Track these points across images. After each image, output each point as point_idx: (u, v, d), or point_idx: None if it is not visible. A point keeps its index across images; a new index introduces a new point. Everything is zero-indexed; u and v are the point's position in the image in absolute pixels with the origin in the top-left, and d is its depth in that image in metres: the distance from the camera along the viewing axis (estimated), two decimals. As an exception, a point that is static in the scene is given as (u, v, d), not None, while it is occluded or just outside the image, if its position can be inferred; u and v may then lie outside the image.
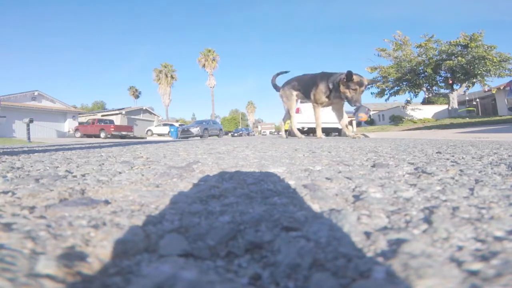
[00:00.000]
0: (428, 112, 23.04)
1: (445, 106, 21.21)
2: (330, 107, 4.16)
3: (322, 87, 3.69)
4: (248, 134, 27.40)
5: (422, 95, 19.67)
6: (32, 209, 0.41)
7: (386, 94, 19.22)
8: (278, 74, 4.53)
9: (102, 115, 26.57)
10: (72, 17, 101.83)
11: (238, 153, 1.19)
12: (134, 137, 17.45)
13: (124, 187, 0.55)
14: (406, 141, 2.24)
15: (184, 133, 13.45)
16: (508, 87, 10.19)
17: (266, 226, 0.35)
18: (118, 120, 25.34)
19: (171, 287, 0.22)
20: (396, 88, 18.84)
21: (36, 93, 20.52)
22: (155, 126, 26.55)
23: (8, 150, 1.56)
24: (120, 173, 0.71)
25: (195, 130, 13.35)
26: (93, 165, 0.84)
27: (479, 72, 15.28)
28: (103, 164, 0.87)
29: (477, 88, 18.07)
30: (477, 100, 21.95)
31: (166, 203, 0.45)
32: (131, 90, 43.00)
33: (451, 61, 15.57)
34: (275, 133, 43.11)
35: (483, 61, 14.68)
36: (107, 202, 0.45)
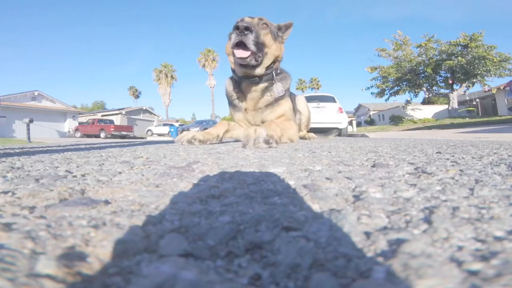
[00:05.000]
0: (428, 112, 23.04)
1: (445, 106, 21.22)
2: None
3: None
4: (248, 134, 27.32)
5: (422, 95, 19.68)
6: (32, 209, 0.41)
7: (386, 94, 19.22)
8: None
9: (102, 115, 26.59)
10: (72, 17, 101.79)
11: (238, 153, 1.19)
12: (134, 137, 17.46)
13: (124, 187, 0.55)
14: (406, 141, 2.24)
15: (184, 133, 13.44)
16: (508, 87, 10.20)
17: (266, 226, 0.35)
18: (118, 120, 25.35)
19: (171, 287, 0.22)
20: (396, 88, 18.85)
21: (36, 93, 20.52)
22: (155, 126, 26.57)
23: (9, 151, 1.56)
24: (120, 173, 0.71)
25: (195, 130, 13.37)
26: (93, 165, 0.84)
27: (479, 72, 15.28)
28: (103, 164, 0.87)
29: (477, 88, 18.09)
30: (477, 100, 21.95)
31: (166, 203, 0.45)
32: (131, 90, 43.02)
33: (451, 61, 15.57)
34: None
35: (483, 61, 14.68)
36: (107, 202, 0.45)
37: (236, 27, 1.78)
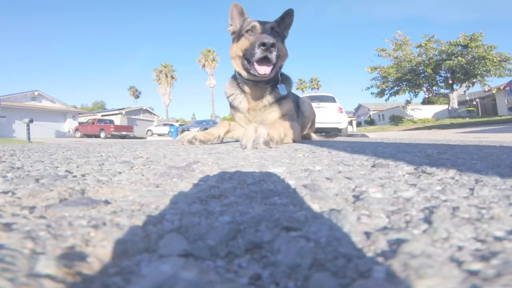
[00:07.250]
0: (428, 112, 23.04)
1: (445, 106, 21.22)
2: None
3: None
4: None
5: (422, 95, 19.68)
6: (32, 209, 0.41)
7: (386, 94, 19.23)
8: None
9: (102, 115, 26.61)
10: (72, 17, 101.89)
11: (238, 153, 1.19)
12: (134, 137, 17.47)
13: (124, 187, 0.55)
14: (406, 141, 2.24)
15: (184, 133, 13.48)
16: (508, 87, 10.20)
17: (266, 226, 0.35)
18: (118, 120, 25.36)
19: (171, 287, 0.22)
20: (396, 88, 18.85)
21: (36, 93, 20.53)
22: (155, 126, 26.59)
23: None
24: (120, 173, 0.71)
25: (195, 130, 13.39)
26: (93, 165, 0.84)
27: (479, 72, 15.29)
28: (103, 164, 0.87)
29: (477, 88, 18.09)
30: (477, 100, 21.96)
31: (166, 203, 0.45)
32: (131, 90, 43.04)
33: (451, 61, 15.57)
34: None
35: (483, 61, 14.68)
36: (107, 202, 0.45)
37: (262, 44, 1.73)
